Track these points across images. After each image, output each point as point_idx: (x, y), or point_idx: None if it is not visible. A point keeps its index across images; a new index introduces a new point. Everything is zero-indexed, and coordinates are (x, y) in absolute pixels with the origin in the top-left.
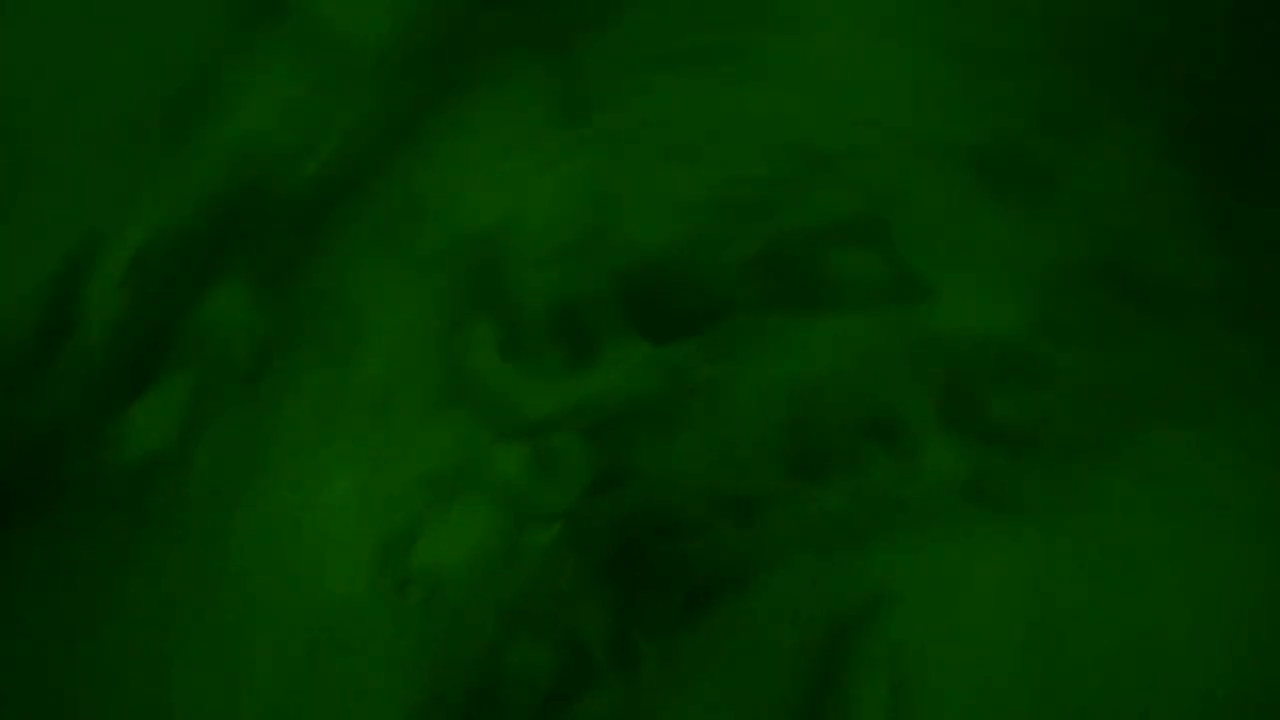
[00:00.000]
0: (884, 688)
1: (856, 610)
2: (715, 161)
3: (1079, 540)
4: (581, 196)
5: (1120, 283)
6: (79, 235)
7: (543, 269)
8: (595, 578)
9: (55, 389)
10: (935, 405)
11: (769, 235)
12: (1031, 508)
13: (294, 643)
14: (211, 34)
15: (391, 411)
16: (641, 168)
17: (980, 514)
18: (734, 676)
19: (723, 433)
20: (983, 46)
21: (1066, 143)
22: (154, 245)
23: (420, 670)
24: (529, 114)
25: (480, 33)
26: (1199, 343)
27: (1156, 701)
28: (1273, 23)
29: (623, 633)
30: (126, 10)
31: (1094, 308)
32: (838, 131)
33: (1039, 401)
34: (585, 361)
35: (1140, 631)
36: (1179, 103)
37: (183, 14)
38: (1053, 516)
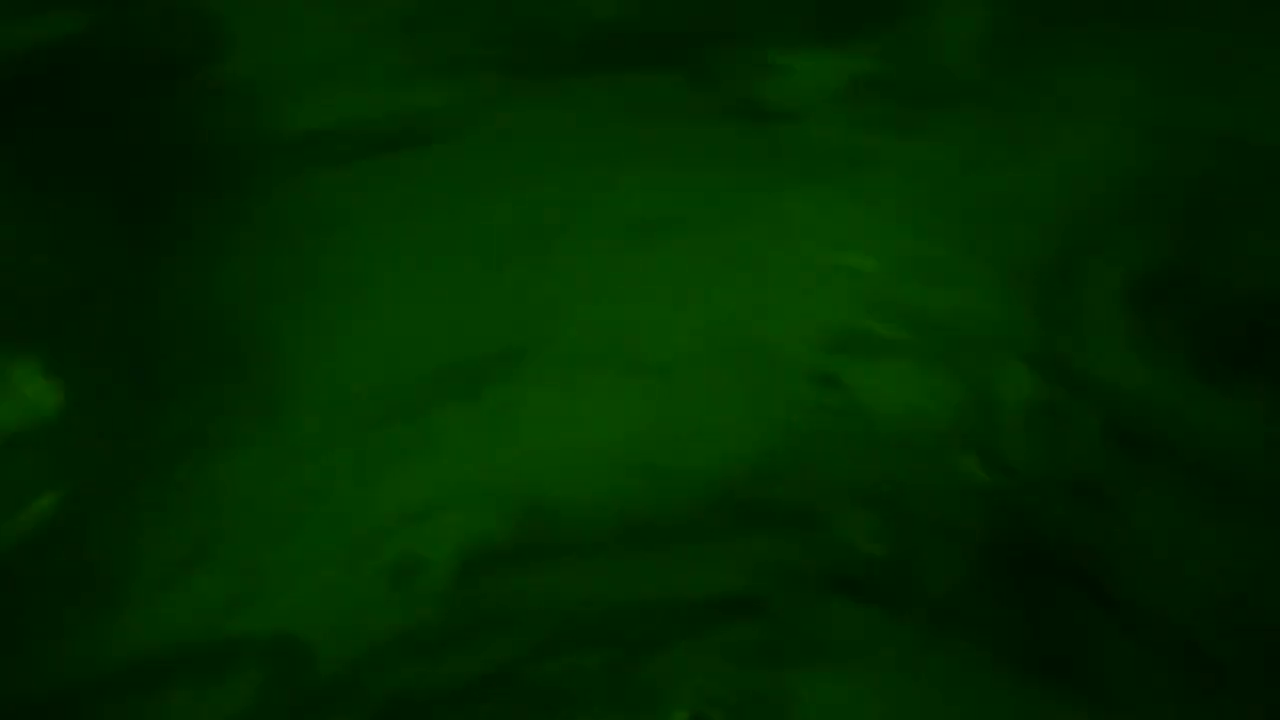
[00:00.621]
0: None
1: None
2: None
3: None
4: None
5: None
6: None
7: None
8: (975, 542)
9: None
10: None
11: None
12: None
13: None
14: None
15: (944, 239)
16: None
17: None
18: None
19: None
20: None
21: None
22: None
23: (770, 430)
24: None
25: None
26: None
27: None
28: None
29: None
30: None
31: None
32: None
33: None
34: (1208, 380)
35: None
36: None
37: None
38: None
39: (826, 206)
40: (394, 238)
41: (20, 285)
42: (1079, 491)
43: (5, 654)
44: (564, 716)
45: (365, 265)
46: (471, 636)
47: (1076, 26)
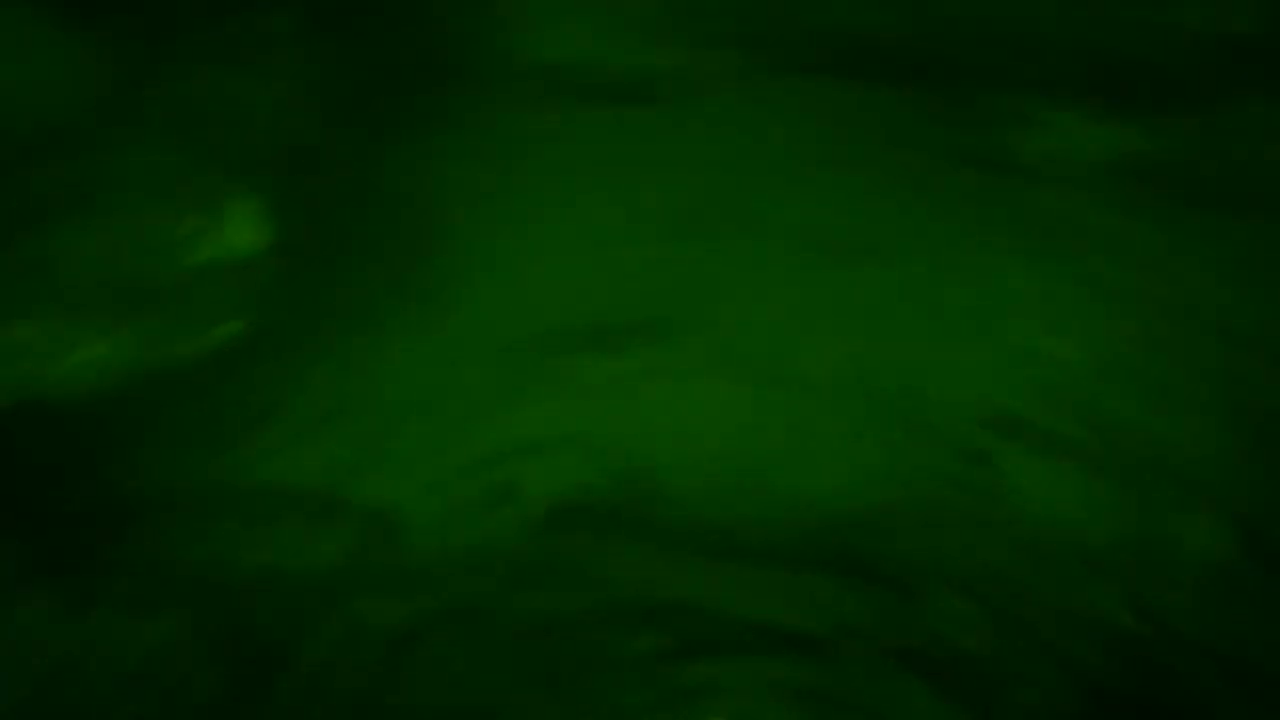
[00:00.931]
0: None
1: None
2: None
3: None
4: None
5: None
6: None
7: None
8: (1088, 676)
9: None
10: None
11: None
12: None
13: None
14: None
15: (1166, 351)
16: None
17: None
18: None
19: None
20: None
21: None
22: None
23: (895, 486)
24: None
25: None
26: None
27: None
28: None
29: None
30: None
31: None
32: None
33: None
34: None
35: None
36: None
37: None
38: None
39: (1040, 280)
40: (588, 186)
41: (268, 132)
42: (1236, 668)
43: (153, 451)
44: (596, 693)
45: (553, 204)
46: (536, 585)
47: None
